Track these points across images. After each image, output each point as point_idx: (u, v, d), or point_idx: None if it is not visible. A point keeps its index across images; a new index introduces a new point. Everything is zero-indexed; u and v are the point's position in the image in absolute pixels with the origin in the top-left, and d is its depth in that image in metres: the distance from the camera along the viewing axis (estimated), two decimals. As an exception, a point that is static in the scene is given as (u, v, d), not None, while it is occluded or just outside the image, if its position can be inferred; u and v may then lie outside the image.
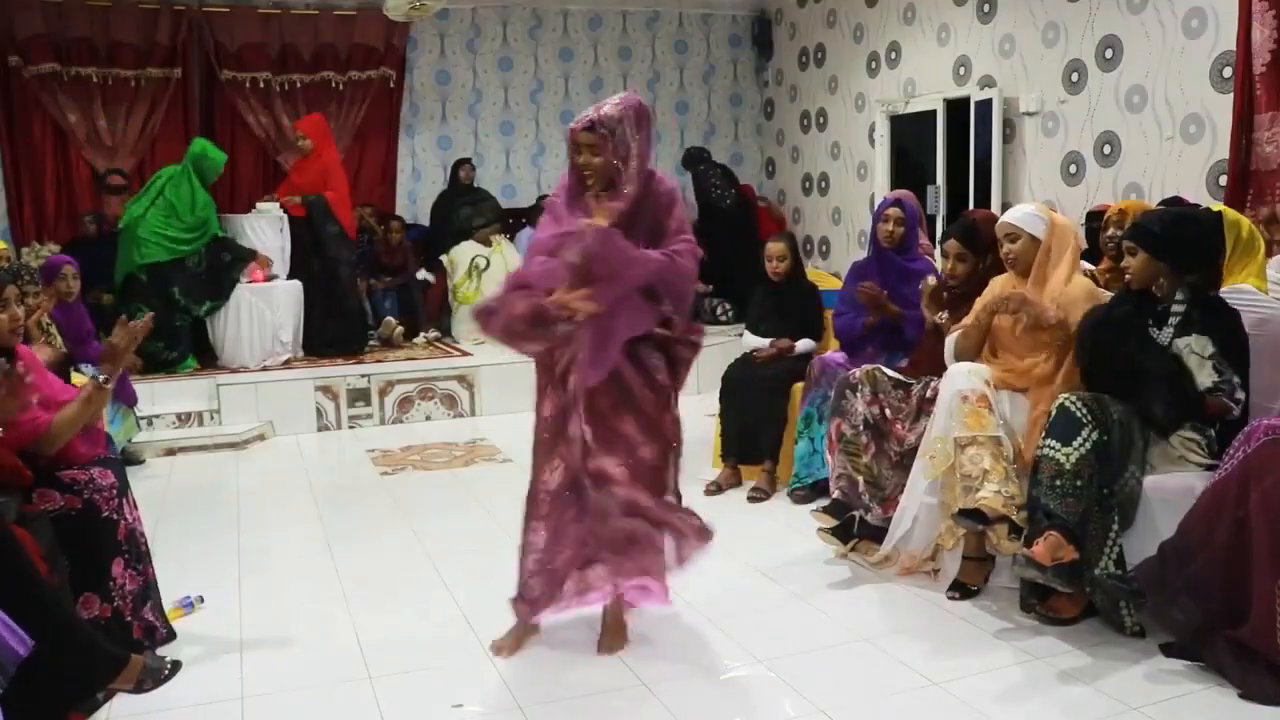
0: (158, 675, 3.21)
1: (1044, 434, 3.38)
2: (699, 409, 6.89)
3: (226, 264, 7.41)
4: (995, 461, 3.47)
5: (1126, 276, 3.50)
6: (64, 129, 8.74)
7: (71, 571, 3.18)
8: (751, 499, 5.07)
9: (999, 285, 3.88)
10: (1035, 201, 3.94)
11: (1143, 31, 6.34)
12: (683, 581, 3.97)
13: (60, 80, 8.63)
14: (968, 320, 3.90)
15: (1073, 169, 6.93)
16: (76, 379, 4.69)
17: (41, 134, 8.73)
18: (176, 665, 3.30)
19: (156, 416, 6.75)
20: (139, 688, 3.14)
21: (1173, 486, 3.29)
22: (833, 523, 4.06)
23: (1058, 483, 3.26)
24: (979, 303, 3.87)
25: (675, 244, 3.19)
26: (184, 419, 6.85)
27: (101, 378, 3.26)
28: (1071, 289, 3.66)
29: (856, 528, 4.04)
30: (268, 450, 6.70)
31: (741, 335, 5.66)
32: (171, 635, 3.55)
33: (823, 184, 9.97)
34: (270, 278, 7.58)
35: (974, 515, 3.42)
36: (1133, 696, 2.96)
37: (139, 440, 6.30)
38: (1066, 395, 3.37)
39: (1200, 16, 5.95)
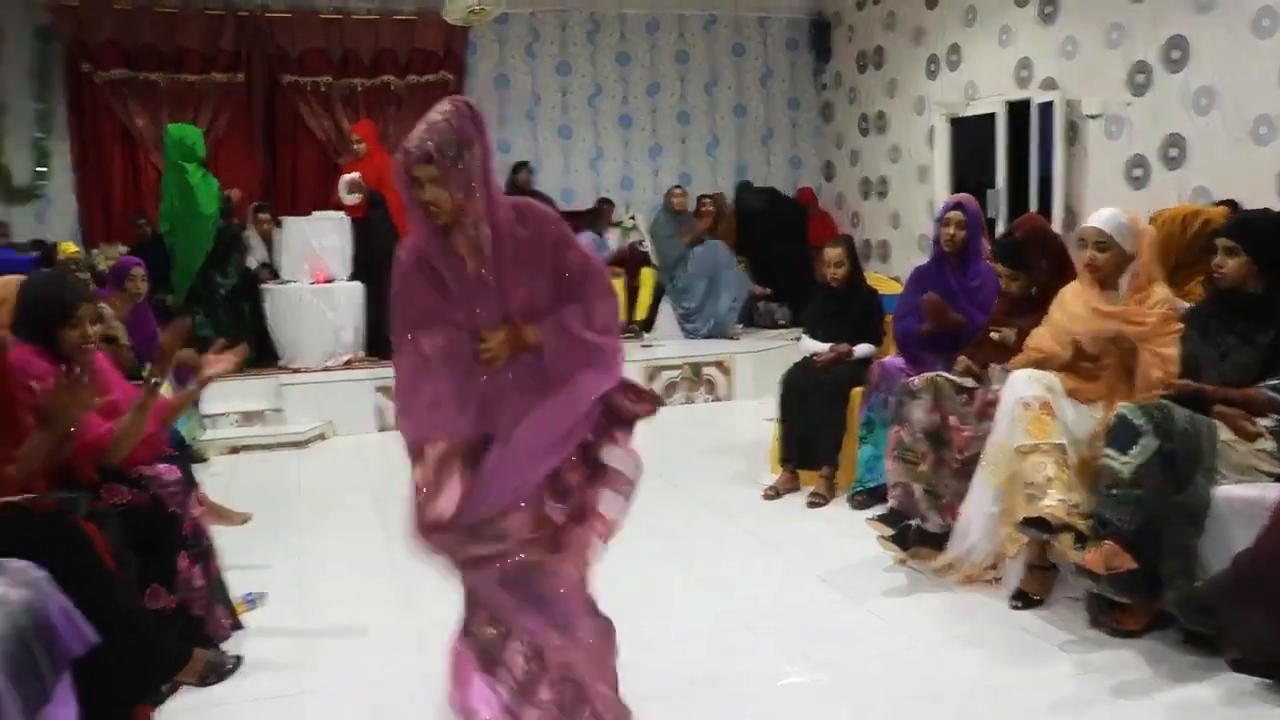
0: (221, 669, 3.27)
1: (1103, 442, 3.33)
2: (757, 413, 6.87)
3: None
4: (1059, 469, 3.42)
5: (1216, 275, 3.43)
6: (132, 133, 8.94)
7: (139, 564, 3.25)
8: (810, 504, 5.04)
9: (1070, 297, 3.81)
10: (1118, 207, 3.82)
11: (1210, 31, 6.23)
12: (740, 585, 3.97)
13: (129, 85, 8.84)
14: (1042, 345, 3.82)
15: (1137, 172, 6.82)
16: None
17: (111, 138, 8.95)
18: (239, 660, 3.36)
19: (220, 415, 6.86)
20: (203, 681, 3.21)
21: (1244, 496, 3.21)
22: (888, 531, 4.04)
23: (1115, 491, 3.20)
24: (1053, 325, 3.80)
25: (590, 292, 2.64)
26: (247, 418, 6.96)
27: (152, 380, 3.32)
28: (1161, 297, 3.64)
29: (913, 536, 4.01)
30: (329, 449, 6.79)
31: (799, 340, 5.62)
32: (238, 626, 3.62)
33: (881, 187, 9.90)
34: (331, 279, 7.67)
35: (1037, 524, 3.37)
36: (1197, 713, 2.90)
37: (203, 439, 6.41)
38: (1125, 404, 3.31)
39: (1271, 16, 5.83)
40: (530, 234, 2.59)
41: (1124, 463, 3.20)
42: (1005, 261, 4.22)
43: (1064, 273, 4.03)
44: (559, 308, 2.61)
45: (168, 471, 3.40)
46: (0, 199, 8.82)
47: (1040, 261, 4.13)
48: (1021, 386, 3.60)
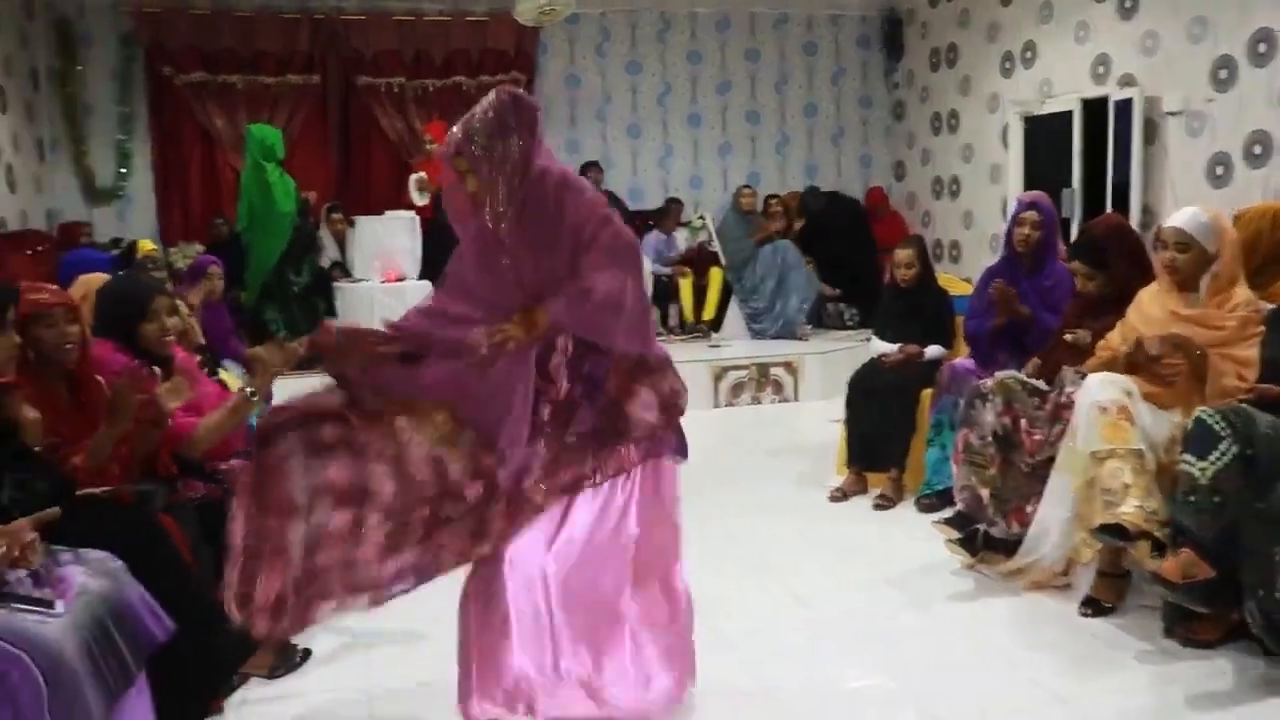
0: (289, 662, 3.32)
1: (1181, 448, 3.24)
2: (824, 414, 6.82)
3: None
4: (1137, 476, 3.34)
5: None
6: (211, 134, 9.14)
7: (214, 558, 3.31)
8: (877, 506, 4.99)
9: (1147, 299, 3.71)
10: (1199, 205, 3.72)
11: (1300, 25, 6.05)
12: (805, 588, 3.94)
13: (207, 88, 9.05)
14: (1116, 346, 3.73)
15: (1219, 171, 6.65)
16: (225, 376, 4.87)
17: (190, 139, 9.18)
18: (307, 654, 3.40)
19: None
20: (272, 673, 3.26)
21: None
22: (955, 534, 3.98)
23: (1192, 498, 3.11)
24: (1128, 327, 3.71)
25: (594, 257, 2.61)
26: (318, 415, 7.04)
27: (249, 390, 3.38)
28: (1243, 299, 3.53)
29: (980, 541, 3.95)
30: (397, 446, 6.84)
31: (869, 340, 5.57)
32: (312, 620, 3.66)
33: (953, 187, 9.77)
34: (402, 278, 7.77)
35: (1115, 531, 3.29)
36: (1277, 725, 2.82)
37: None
38: (1204, 408, 3.22)
39: (1364, 8, 5.66)
40: (553, 208, 2.61)
41: (1202, 468, 3.12)
42: (1083, 259, 4.13)
43: (1143, 273, 3.94)
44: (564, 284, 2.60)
45: (242, 468, 3.46)
46: (84, 199, 9.08)
47: (1119, 261, 4.04)
48: (1097, 390, 3.53)
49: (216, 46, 9.12)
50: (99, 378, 3.11)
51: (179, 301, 3.65)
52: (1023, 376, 4.06)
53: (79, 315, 3.09)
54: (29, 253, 7.28)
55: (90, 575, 2.49)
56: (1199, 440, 3.15)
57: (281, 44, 9.27)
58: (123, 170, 9.15)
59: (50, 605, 2.32)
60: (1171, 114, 6.99)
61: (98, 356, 3.17)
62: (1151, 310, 3.68)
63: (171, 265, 7.14)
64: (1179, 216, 3.61)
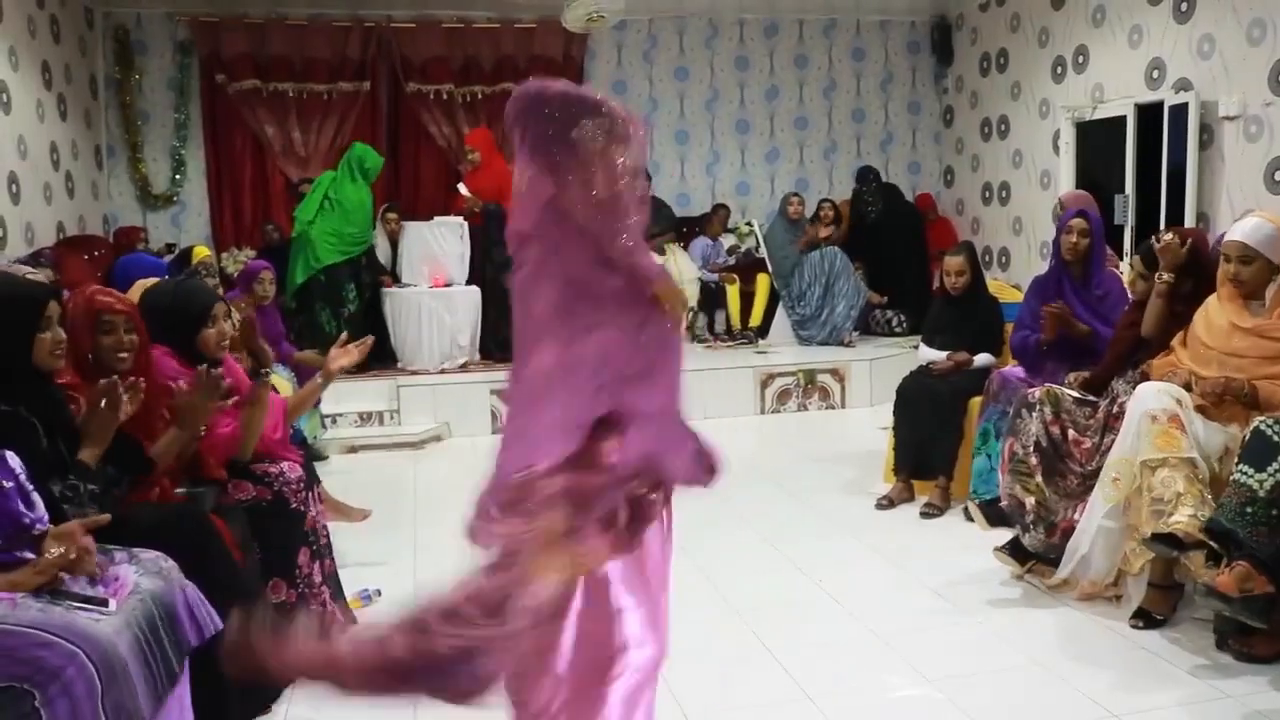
0: (337, 664, 3.34)
1: (1237, 458, 3.19)
2: (872, 422, 6.78)
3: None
4: (1190, 485, 3.29)
5: None
6: (262, 141, 9.26)
7: (262, 558, 3.35)
8: (924, 515, 4.95)
9: (1214, 309, 3.64)
10: (1261, 213, 3.65)
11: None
12: (851, 596, 3.92)
13: (260, 95, 9.17)
14: (1179, 358, 3.68)
15: (1278, 176, 6.53)
16: (274, 380, 4.93)
17: (242, 146, 9.31)
18: (354, 655, 3.42)
19: (340, 415, 7.04)
20: (318, 676, 3.28)
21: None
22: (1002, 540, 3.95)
23: (1248, 510, 3.07)
24: (1192, 338, 3.65)
25: None
26: (365, 418, 7.12)
27: (261, 379, 3.45)
28: None
29: (1022, 549, 3.91)
30: (444, 450, 6.90)
31: (917, 348, 5.53)
32: (353, 622, 3.69)
33: (1003, 193, 9.68)
34: (449, 283, 7.81)
35: (1168, 541, 3.25)
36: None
37: (324, 438, 6.58)
38: (1263, 418, 3.17)
39: None
40: None
41: (1259, 480, 3.07)
42: (1147, 261, 4.04)
43: (1200, 295, 3.82)
44: None
45: (291, 469, 3.51)
46: (140, 205, 9.24)
47: (1188, 277, 3.93)
48: (1149, 399, 3.48)
49: (268, 54, 9.23)
50: (162, 382, 3.16)
51: (231, 307, 3.71)
52: (1068, 391, 4.01)
53: (139, 325, 3.14)
54: (86, 257, 7.40)
55: (143, 574, 2.53)
56: (1257, 451, 3.10)
57: (332, 52, 9.36)
58: (177, 177, 9.29)
59: (104, 604, 2.36)
60: (1228, 118, 6.87)
61: (155, 361, 3.22)
62: (1216, 320, 3.61)
63: (223, 270, 7.23)
64: (1241, 229, 3.54)
